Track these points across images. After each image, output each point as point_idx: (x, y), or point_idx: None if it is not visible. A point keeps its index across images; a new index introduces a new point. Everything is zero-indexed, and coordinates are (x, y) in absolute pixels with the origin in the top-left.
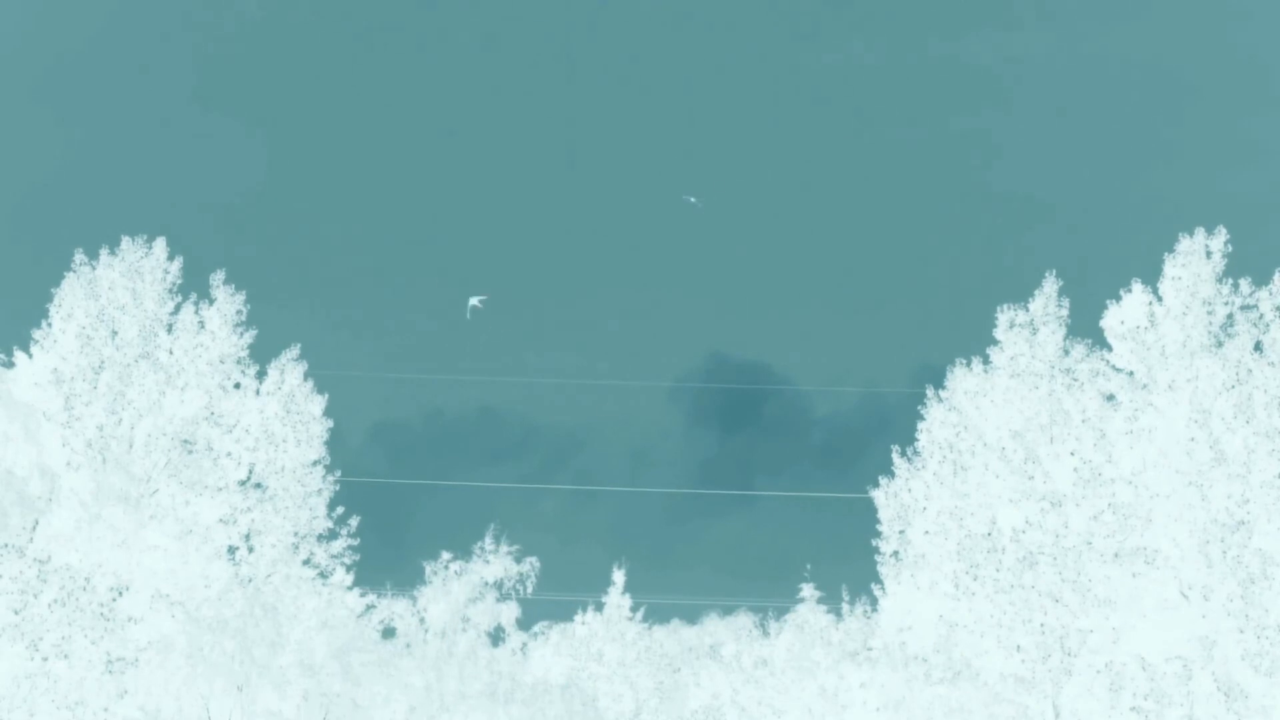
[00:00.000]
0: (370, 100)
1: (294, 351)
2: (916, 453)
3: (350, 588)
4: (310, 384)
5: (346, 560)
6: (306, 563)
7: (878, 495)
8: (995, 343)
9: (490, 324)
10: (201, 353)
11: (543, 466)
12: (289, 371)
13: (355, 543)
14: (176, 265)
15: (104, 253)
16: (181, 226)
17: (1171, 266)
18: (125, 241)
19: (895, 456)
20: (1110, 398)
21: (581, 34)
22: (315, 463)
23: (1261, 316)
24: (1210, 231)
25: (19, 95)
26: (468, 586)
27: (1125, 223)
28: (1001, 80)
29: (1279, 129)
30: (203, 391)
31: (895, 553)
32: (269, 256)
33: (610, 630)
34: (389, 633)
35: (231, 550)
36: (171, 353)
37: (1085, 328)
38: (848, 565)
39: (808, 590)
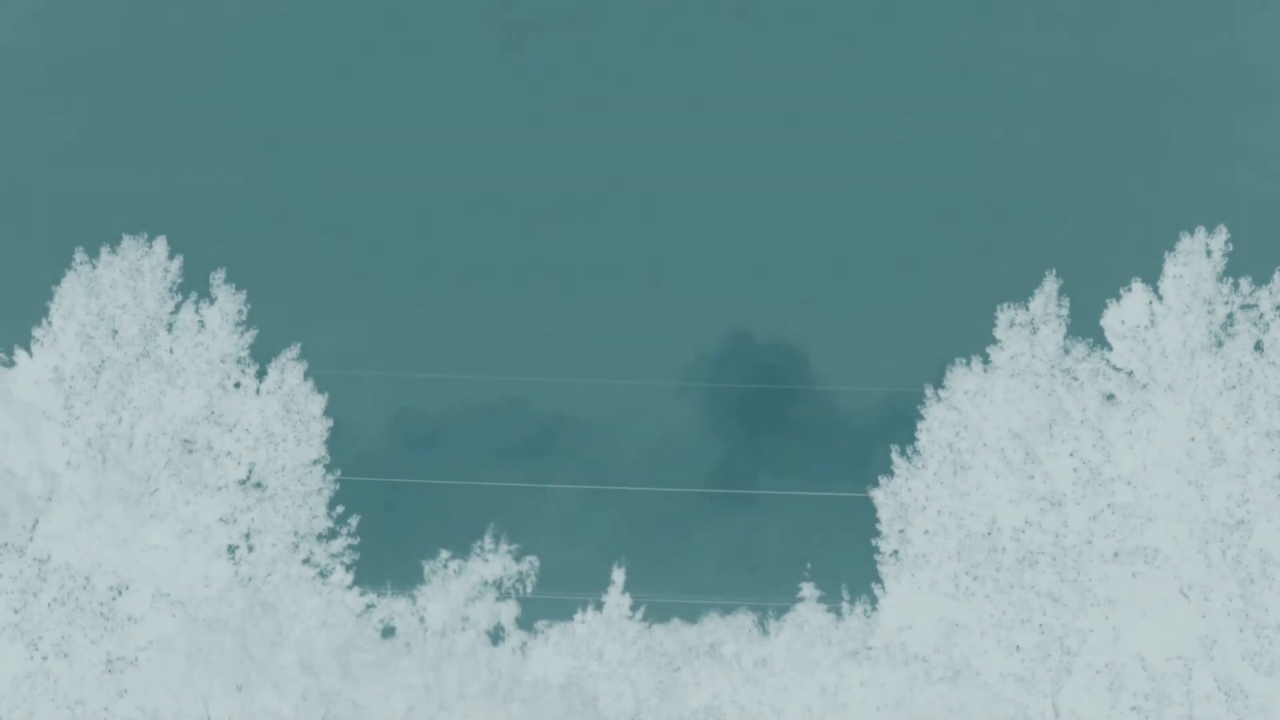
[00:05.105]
0: (374, 96)
1: (294, 351)
2: (916, 452)
3: (350, 587)
4: (310, 383)
5: (346, 559)
6: (306, 562)
7: (877, 495)
8: (995, 342)
9: (492, 320)
10: (202, 352)
11: (544, 465)
12: (289, 371)
13: (355, 542)
14: (177, 264)
15: (104, 251)
16: (182, 225)
17: (1172, 265)
18: (126, 240)
19: (895, 456)
20: (1110, 397)
21: (594, 16)
22: (315, 462)
23: (1261, 316)
24: (1211, 230)
25: (18, 93)
26: (467, 585)
27: (1125, 222)
28: (1002, 79)
29: (1279, 128)
30: (203, 391)
31: (895, 552)
32: (269, 255)
33: (610, 629)
34: (389, 632)
35: (231, 550)
36: (172, 352)
37: (1086, 327)
38: (848, 565)
39: (808, 590)
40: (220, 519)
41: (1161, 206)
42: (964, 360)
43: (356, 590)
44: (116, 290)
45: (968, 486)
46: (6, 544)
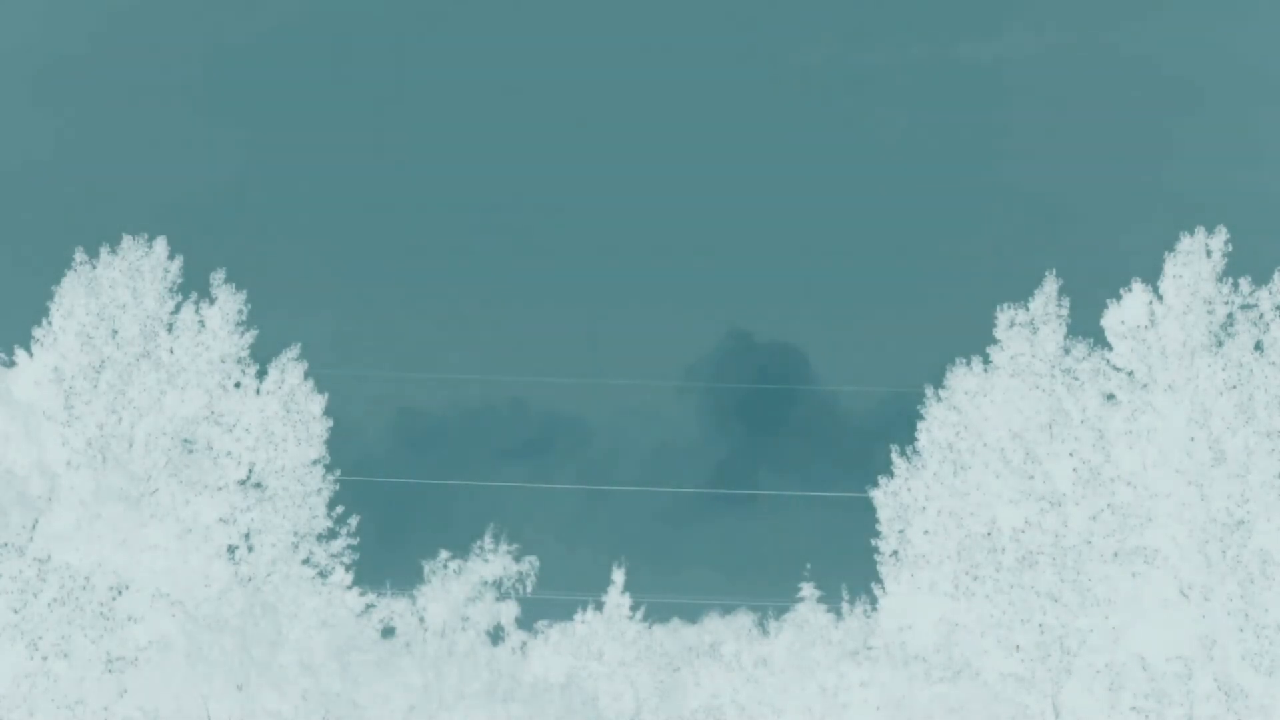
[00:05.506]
0: (374, 96)
1: (294, 351)
2: (916, 452)
3: (350, 587)
4: (310, 383)
5: (346, 559)
6: (306, 562)
7: (877, 495)
8: (995, 342)
9: (492, 320)
10: (202, 352)
11: (544, 465)
12: (289, 371)
13: (355, 542)
14: (177, 264)
15: (104, 251)
16: (182, 225)
17: (1172, 265)
18: (126, 240)
19: (895, 456)
20: (1110, 397)
21: (593, 17)
22: (315, 462)
23: (1261, 316)
24: (1211, 230)
25: (19, 94)
26: (467, 585)
27: (1125, 222)
28: (1003, 79)
29: (1279, 128)
30: (203, 391)
31: (895, 552)
32: (269, 255)
33: (610, 629)
34: (388, 632)
35: (231, 549)
36: (172, 352)
37: (1086, 327)
38: (848, 565)
39: (808, 590)
40: (220, 519)
41: (1162, 206)
42: (964, 360)
43: (356, 590)
44: (116, 290)
45: (967, 486)
46: (6, 544)
